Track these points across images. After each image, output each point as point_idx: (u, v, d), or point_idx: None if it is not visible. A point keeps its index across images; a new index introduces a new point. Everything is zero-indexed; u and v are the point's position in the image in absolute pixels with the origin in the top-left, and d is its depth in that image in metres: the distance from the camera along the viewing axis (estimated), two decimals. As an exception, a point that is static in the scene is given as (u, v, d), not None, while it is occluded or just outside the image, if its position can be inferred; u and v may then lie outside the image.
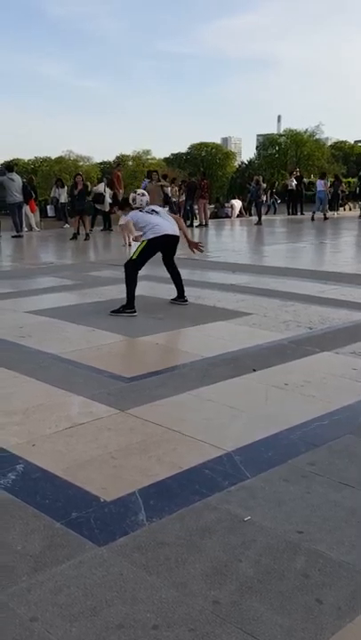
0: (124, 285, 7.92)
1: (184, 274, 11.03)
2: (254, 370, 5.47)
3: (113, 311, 7.83)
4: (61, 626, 2.39)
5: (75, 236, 18.76)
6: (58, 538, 2.98)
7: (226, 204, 32.51)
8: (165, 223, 8.16)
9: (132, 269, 8.01)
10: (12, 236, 19.44)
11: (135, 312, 7.81)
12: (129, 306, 7.85)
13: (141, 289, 8.60)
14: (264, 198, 24.95)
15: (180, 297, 8.53)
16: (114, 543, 2.92)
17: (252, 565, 2.74)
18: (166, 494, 3.38)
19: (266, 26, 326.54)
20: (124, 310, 7.81)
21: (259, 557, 2.79)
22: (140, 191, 8.77)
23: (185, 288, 8.51)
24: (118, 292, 8.58)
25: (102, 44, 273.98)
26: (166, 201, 23.34)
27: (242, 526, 3.05)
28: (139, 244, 8.16)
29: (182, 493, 3.38)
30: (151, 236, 8.03)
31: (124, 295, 7.89)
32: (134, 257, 8.08)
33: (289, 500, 3.30)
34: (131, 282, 7.95)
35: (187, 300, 8.47)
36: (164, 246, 8.21)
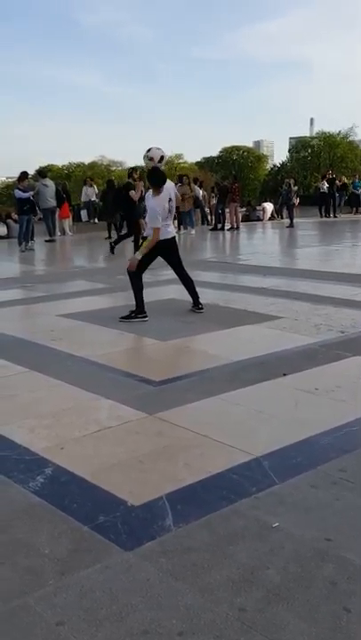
0: (156, 288, 7.87)
1: (215, 277, 11.08)
2: (284, 374, 5.43)
3: (123, 317, 7.69)
4: (87, 630, 2.38)
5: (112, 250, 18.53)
6: (85, 542, 2.97)
7: (257, 207, 32.35)
8: (166, 225, 7.82)
9: (134, 274, 7.84)
10: (46, 241, 19.55)
11: (147, 317, 7.68)
12: (139, 310, 7.73)
13: (172, 292, 8.64)
14: (296, 201, 24.75)
15: (195, 304, 8.22)
16: (140, 548, 2.91)
17: (279, 572, 2.71)
18: (194, 499, 3.36)
19: (297, 29, 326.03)
20: (136, 315, 7.69)
21: (286, 564, 2.76)
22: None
23: (216, 291, 8.46)
24: (147, 296, 8.57)
25: (134, 51, 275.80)
26: (197, 204, 23.36)
27: (269, 533, 3.02)
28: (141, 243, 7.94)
29: (210, 499, 3.36)
30: (160, 237, 7.77)
31: (155, 298, 7.89)
32: (138, 258, 7.83)
33: (317, 506, 3.27)
34: (136, 287, 7.82)
35: (202, 308, 8.16)
36: (165, 249, 7.91)
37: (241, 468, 3.70)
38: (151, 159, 7.91)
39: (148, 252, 7.73)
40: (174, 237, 8.04)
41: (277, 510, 3.23)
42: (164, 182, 7.71)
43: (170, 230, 7.89)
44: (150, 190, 7.77)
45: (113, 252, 15.36)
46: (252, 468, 3.70)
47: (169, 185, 7.89)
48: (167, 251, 7.92)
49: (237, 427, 4.36)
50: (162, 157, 8.04)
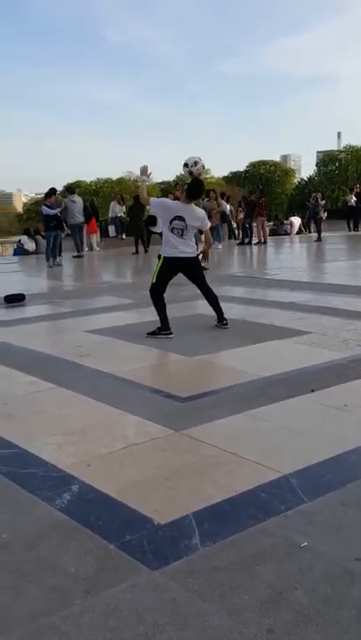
0: (183, 304, 7.86)
1: (242, 292, 11.05)
2: (313, 390, 5.38)
3: (149, 333, 7.67)
4: (113, 651, 2.36)
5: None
6: (111, 560, 2.95)
7: (285, 222, 32.33)
8: (180, 242, 7.71)
9: (154, 294, 7.84)
10: (73, 256, 19.69)
11: (171, 334, 7.63)
12: (164, 327, 7.69)
13: (200, 308, 8.61)
14: (324, 215, 24.67)
15: (220, 320, 8.12)
16: (167, 567, 2.88)
17: (308, 593, 2.66)
18: (221, 518, 3.32)
19: (325, 43, 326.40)
20: (160, 332, 7.65)
21: (315, 585, 2.71)
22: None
23: (244, 306, 8.41)
24: (175, 311, 8.57)
25: (161, 67, 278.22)
26: (224, 219, 23.36)
27: (298, 552, 2.97)
28: (157, 261, 7.92)
29: (237, 517, 3.32)
30: (165, 254, 7.83)
31: (183, 314, 7.87)
32: (153, 280, 7.86)
33: (347, 525, 3.21)
34: (158, 307, 7.79)
35: (227, 323, 8.07)
36: (178, 268, 7.88)
37: (269, 485, 3.65)
38: (194, 164, 7.86)
39: (160, 270, 7.77)
40: (188, 259, 7.86)
41: (306, 529, 3.18)
42: (196, 197, 7.71)
43: (180, 250, 7.74)
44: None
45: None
46: (280, 485, 3.65)
47: (195, 210, 7.85)
48: (181, 269, 7.89)
49: (265, 444, 4.31)
50: (196, 162, 7.92)
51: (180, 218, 7.62)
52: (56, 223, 18.08)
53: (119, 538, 3.13)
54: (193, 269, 7.98)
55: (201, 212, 7.98)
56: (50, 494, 3.61)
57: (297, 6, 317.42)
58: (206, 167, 8.01)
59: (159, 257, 7.88)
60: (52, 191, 18.55)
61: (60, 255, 18.42)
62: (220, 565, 2.88)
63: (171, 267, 7.79)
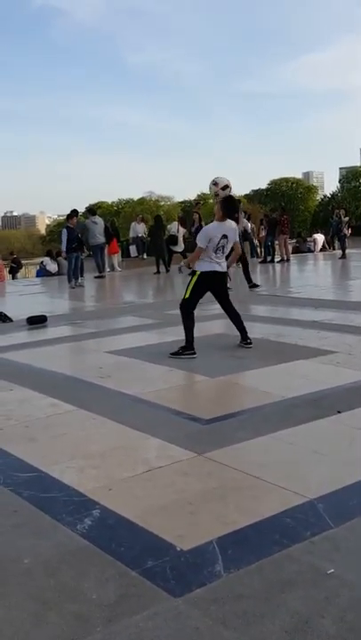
0: (205, 323, 7.80)
1: (265, 311, 10.99)
2: (339, 411, 5.29)
3: (172, 354, 7.58)
4: None
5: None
6: (133, 587, 2.90)
7: (308, 239, 32.25)
8: (220, 257, 7.74)
9: (186, 309, 7.75)
10: (95, 277, 19.74)
11: (195, 354, 7.55)
12: (188, 347, 7.61)
13: (222, 327, 8.55)
14: (348, 232, 24.54)
15: (243, 339, 8.05)
16: (190, 595, 2.82)
17: (335, 622, 2.59)
18: (245, 544, 3.25)
19: (343, 59, 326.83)
20: (184, 352, 7.57)
21: (343, 613, 2.64)
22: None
23: (267, 326, 8.34)
24: (198, 331, 8.52)
25: (181, 87, 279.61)
26: (246, 237, 23.31)
27: (325, 579, 2.90)
28: (190, 277, 7.86)
29: (262, 543, 3.25)
30: (203, 269, 7.73)
31: (203, 333, 7.80)
32: (187, 295, 7.77)
33: (375, 551, 3.14)
34: (186, 323, 7.71)
35: (250, 343, 8.00)
36: (213, 283, 7.82)
37: (294, 511, 3.58)
38: (222, 188, 7.84)
39: (195, 285, 7.69)
40: (223, 273, 7.92)
41: (333, 556, 3.10)
42: (231, 215, 7.70)
43: (219, 265, 7.75)
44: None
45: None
46: (305, 511, 3.58)
47: (232, 224, 7.82)
48: (214, 284, 7.83)
49: (290, 467, 4.24)
50: (226, 186, 7.92)
51: (225, 236, 7.67)
52: (77, 245, 18.05)
53: (141, 564, 3.08)
54: (223, 284, 8.00)
55: (234, 225, 7.96)
56: (71, 519, 3.57)
57: (315, 23, 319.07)
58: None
59: (193, 273, 7.81)
60: (74, 213, 18.63)
61: (81, 276, 18.47)
62: (245, 593, 2.82)
63: (206, 282, 7.73)
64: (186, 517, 3.56)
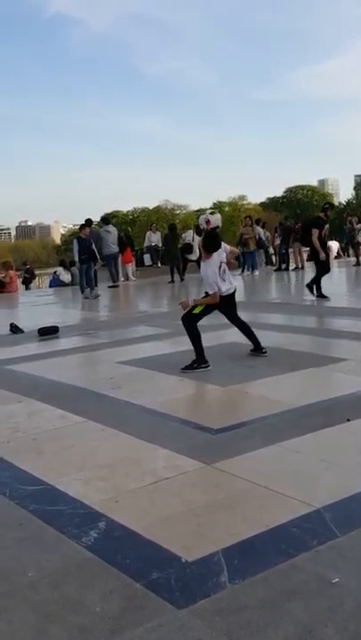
0: (216, 332, 7.75)
1: (279, 319, 10.96)
2: (348, 420, 5.26)
3: (184, 368, 7.45)
4: None
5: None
6: (137, 599, 2.89)
7: (322, 247, 32.14)
8: (224, 283, 7.74)
9: (189, 322, 7.69)
10: (109, 287, 19.75)
11: (209, 366, 7.46)
12: (201, 360, 7.52)
13: (233, 336, 8.50)
14: (360, 239, 24.42)
15: (257, 348, 7.99)
16: (194, 606, 2.81)
17: (338, 631, 2.57)
18: (251, 554, 3.24)
19: (357, 66, 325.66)
20: (199, 366, 7.47)
21: (346, 623, 2.62)
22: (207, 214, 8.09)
23: (280, 334, 8.28)
24: (208, 340, 8.50)
25: (195, 96, 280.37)
26: (260, 245, 23.30)
27: (329, 589, 2.88)
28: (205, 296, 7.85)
29: (268, 553, 3.23)
30: (221, 294, 7.65)
31: (215, 342, 7.76)
32: (196, 311, 7.69)
33: (381, 560, 3.11)
34: (193, 335, 7.64)
35: (265, 351, 7.93)
36: (224, 304, 7.79)
37: (301, 520, 3.56)
38: (206, 225, 7.85)
39: (207, 306, 7.67)
40: (233, 292, 7.90)
41: (338, 565, 3.08)
42: (216, 249, 7.70)
43: (228, 287, 7.75)
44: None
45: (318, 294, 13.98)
46: (312, 520, 3.56)
47: (220, 252, 7.80)
48: (225, 305, 7.82)
49: (298, 476, 4.22)
50: (217, 226, 7.93)
51: (221, 262, 7.70)
52: (88, 256, 17.89)
53: (146, 576, 3.07)
54: (232, 306, 7.96)
55: (223, 244, 7.94)
56: (76, 532, 3.57)
57: (328, 30, 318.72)
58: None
59: (207, 294, 7.79)
60: (88, 223, 18.68)
61: (96, 286, 18.49)
62: (249, 603, 2.80)
63: (222, 304, 7.73)
64: (192, 528, 3.55)
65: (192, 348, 7.57)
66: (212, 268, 7.58)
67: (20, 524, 3.72)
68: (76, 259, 17.86)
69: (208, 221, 7.87)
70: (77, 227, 36.42)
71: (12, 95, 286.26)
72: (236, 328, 8.13)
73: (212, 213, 7.73)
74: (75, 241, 18.09)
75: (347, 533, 3.38)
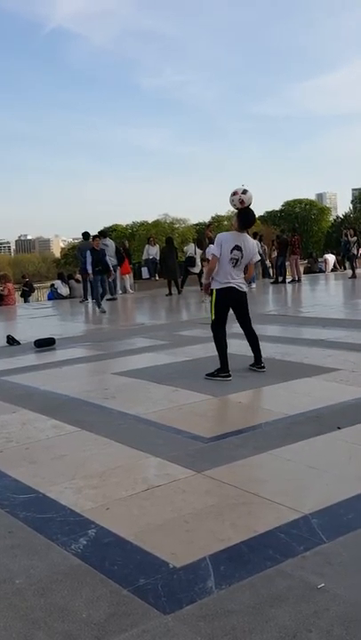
0: (212, 344, 7.75)
1: (274, 330, 10.99)
2: (339, 428, 5.29)
3: (208, 375, 7.51)
4: None
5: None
6: (123, 605, 2.90)
7: (319, 259, 32.29)
8: (233, 271, 7.54)
9: (215, 330, 7.67)
10: (107, 299, 19.78)
11: (230, 376, 7.42)
12: (222, 369, 7.50)
13: (232, 347, 8.51)
14: (357, 252, 24.52)
15: (257, 363, 7.87)
16: (180, 611, 2.82)
17: (322, 636, 2.58)
18: (238, 560, 3.25)
19: (356, 80, 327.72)
20: (219, 374, 7.48)
21: (330, 627, 2.63)
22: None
23: (275, 345, 8.29)
24: (205, 351, 8.54)
25: (195, 110, 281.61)
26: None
27: (315, 594, 2.89)
28: (210, 297, 7.79)
29: (254, 559, 3.25)
30: (217, 286, 7.58)
31: (211, 353, 7.76)
32: (213, 317, 7.67)
33: (367, 565, 3.13)
34: (219, 343, 7.60)
35: (264, 367, 7.80)
36: (231, 299, 7.65)
37: (289, 526, 3.58)
38: (240, 205, 7.67)
39: (216, 304, 7.59)
40: (242, 292, 7.71)
41: (324, 570, 3.10)
42: (249, 226, 7.65)
43: (235, 280, 7.57)
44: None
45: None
46: (300, 526, 3.58)
47: (249, 240, 7.74)
48: (232, 300, 7.67)
49: (288, 483, 4.24)
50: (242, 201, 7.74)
51: (238, 247, 7.48)
52: (101, 268, 17.60)
53: (133, 582, 3.09)
54: (245, 303, 7.80)
55: (254, 243, 7.88)
56: (66, 539, 3.58)
57: (327, 45, 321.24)
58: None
59: (211, 292, 7.72)
60: (102, 234, 18.78)
61: (94, 298, 18.51)
62: (234, 608, 2.82)
63: (224, 298, 7.59)
64: (181, 535, 3.57)
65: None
66: (232, 238, 7.52)
67: (10, 532, 3.74)
68: (90, 271, 17.46)
69: (242, 201, 7.67)
70: (77, 240, 36.48)
71: (10, 109, 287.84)
72: (236, 340, 8.12)
73: (244, 192, 7.47)
74: (87, 252, 17.83)
75: (334, 539, 3.40)
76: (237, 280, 7.60)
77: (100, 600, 2.96)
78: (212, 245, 7.73)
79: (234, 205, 7.64)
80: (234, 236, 7.55)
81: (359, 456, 4.70)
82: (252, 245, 7.73)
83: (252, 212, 7.73)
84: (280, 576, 3.07)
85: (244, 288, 7.77)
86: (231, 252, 7.45)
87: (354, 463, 4.56)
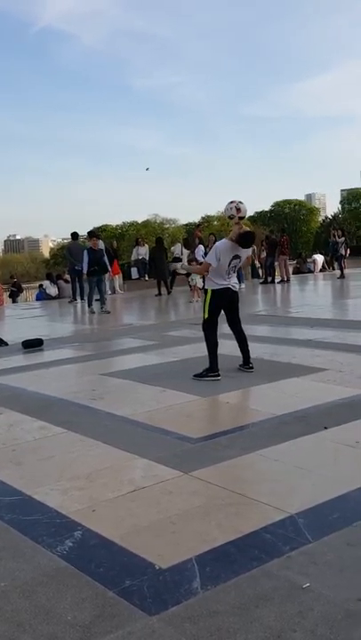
0: (202, 344, 7.76)
1: (263, 331, 11.01)
2: (325, 427, 5.30)
3: (196, 375, 7.51)
4: None
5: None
6: (109, 607, 2.90)
7: (308, 260, 32.34)
8: (231, 275, 7.70)
9: (206, 330, 7.70)
10: (95, 300, 19.73)
11: (219, 376, 7.45)
12: (212, 369, 7.51)
13: (220, 348, 8.53)
14: (345, 252, 24.58)
15: (246, 363, 7.91)
16: (165, 612, 2.82)
17: (306, 635, 2.59)
18: (224, 561, 3.26)
19: (345, 83, 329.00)
20: (208, 374, 7.48)
21: (315, 627, 2.64)
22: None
23: (263, 345, 8.30)
24: (193, 351, 8.54)
25: (186, 111, 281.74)
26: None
27: (299, 594, 2.90)
28: (204, 297, 7.83)
29: (240, 559, 3.25)
30: (213, 287, 7.65)
31: (200, 354, 7.75)
32: (205, 316, 7.71)
33: (352, 565, 3.13)
34: (210, 343, 7.62)
35: (252, 367, 7.84)
36: (225, 300, 7.76)
37: (275, 526, 3.59)
38: (235, 213, 7.72)
39: (210, 304, 7.64)
40: (235, 292, 7.80)
41: (309, 570, 3.10)
42: (244, 247, 7.67)
43: (232, 282, 7.70)
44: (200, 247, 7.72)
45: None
46: (286, 526, 3.58)
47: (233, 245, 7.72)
48: (227, 301, 7.75)
49: (274, 484, 4.24)
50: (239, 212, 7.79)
51: (238, 257, 7.62)
52: (98, 268, 17.10)
53: (119, 584, 3.08)
54: (237, 303, 7.89)
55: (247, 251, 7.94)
56: (52, 541, 3.57)
57: (316, 48, 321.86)
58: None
59: (206, 291, 7.77)
60: (92, 234, 18.77)
61: (83, 299, 18.53)
62: (220, 609, 2.82)
63: (219, 298, 7.65)
64: (167, 536, 3.57)
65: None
66: (229, 248, 7.56)
67: (-5, 534, 3.73)
68: (85, 271, 17.08)
69: (239, 209, 7.71)
70: (67, 240, 36.29)
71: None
72: (224, 340, 8.12)
73: (241, 202, 7.55)
74: (85, 252, 17.44)
75: (319, 539, 3.41)
76: (232, 280, 7.73)
77: (86, 602, 2.95)
78: (202, 246, 7.77)
79: (230, 213, 7.69)
80: (233, 247, 7.59)
81: (345, 456, 4.71)
82: (247, 249, 7.84)
83: (252, 237, 7.83)
84: (265, 576, 3.07)
85: (237, 288, 7.87)
86: (230, 263, 7.57)
87: (340, 463, 4.58)
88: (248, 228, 8.05)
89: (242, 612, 2.79)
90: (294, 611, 2.77)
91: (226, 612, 2.79)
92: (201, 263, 15.24)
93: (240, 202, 7.71)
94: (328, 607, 2.78)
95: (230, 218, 7.77)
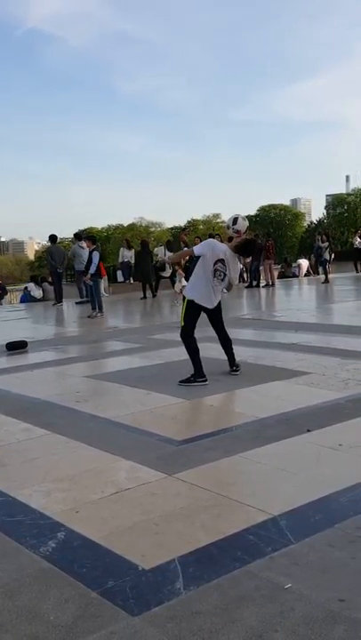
0: (182, 347, 7.77)
1: (248, 334, 11.04)
2: (308, 430, 5.34)
3: (182, 381, 7.44)
4: None
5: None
6: (92, 607, 2.91)
7: (293, 264, 32.43)
8: (216, 289, 7.58)
9: (185, 336, 7.63)
10: (76, 303, 19.72)
11: (206, 380, 7.40)
12: (199, 374, 7.46)
13: (206, 350, 8.55)
14: (329, 257, 24.71)
15: (231, 365, 7.90)
16: (148, 613, 2.84)
17: (288, 635, 2.62)
18: (206, 562, 3.28)
19: (332, 88, 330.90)
20: (196, 380, 7.42)
21: (296, 627, 2.67)
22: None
23: (247, 349, 8.31)
24: (179, 355, 8.54)
25: (172, 115, 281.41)
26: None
27: (281, 594, 2.92)
28: (181, 304, 7.77)
29: (223, 560, 3.28)
30: (191, 297, 7.58)
31: (185, 357, 7.74)
32: (182, 323, 7.65)
33: (333, 566, 3.17)
34: (190, 349, 7.59)
35: (237, 370, 7.83)
36: (203, 310, 7.67)
37: (257, 527, 3.62)
38: (237, 231, 7.72)
39: (186, 311, 7.58)
40: (213, 308, 7.70)
41: (291, 571, 3.13)
42: (243, 255, 7.66)
43: (213, 293, 7.56)
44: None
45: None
46: (268, 527, 3.61)
47: (236, 262, 7.74)
48: (208, 312, 7.70)
49: (257, 485, 4.27)
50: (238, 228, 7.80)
51: (223, 261, 7.47)
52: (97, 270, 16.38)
53: (102, 584, 3.10)
54: (217, 311, 7.78)
55: (238, 267, 7.91)
56: (35, 542, 3.58)
57: (305, 52, 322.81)
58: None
59: (184, 299, 7.73)
60: (78, 236, 18.64)
61: (61, 302, 18.54)
62: (202, 609, 2.84)
63: (196, 307, 7.59)
64: (151, 537, 3.58)
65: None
66: (216, 248, 7.57)
67: (-21, 535, 3.73)
68: (93, 271, 16.12)
69: (238, 232, 7.73)
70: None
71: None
72: (210, 343, 8.14)
73: (244, 219, 7.56)
74: (94, 254, 16.35)
75: (301, 540, 3.44)
76: (214, 299, 7.63)
77: (69, 602, 2.96)
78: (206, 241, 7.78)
79: (238, 228, 7.67)
80: (223, 247, 7.59)
81: (327, 458, 4.74)
82: (237, 267, 7.84)
83: (252, 246, 7.93)
84: (248, 577, 3.10)
85: (218, 297, 7.75)
86: (214, 264, 7.45)
87: (322, 465, 4.60)
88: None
89: (224, 612, 2.81)
90: (276, 611, 2.79)
91: (208, 613, 2.81)
92: (184, 268, 15.31)
93: (243, 218, 7.79)
94: (309, 607, 2.80)
95: (235, 232, 7.70)
